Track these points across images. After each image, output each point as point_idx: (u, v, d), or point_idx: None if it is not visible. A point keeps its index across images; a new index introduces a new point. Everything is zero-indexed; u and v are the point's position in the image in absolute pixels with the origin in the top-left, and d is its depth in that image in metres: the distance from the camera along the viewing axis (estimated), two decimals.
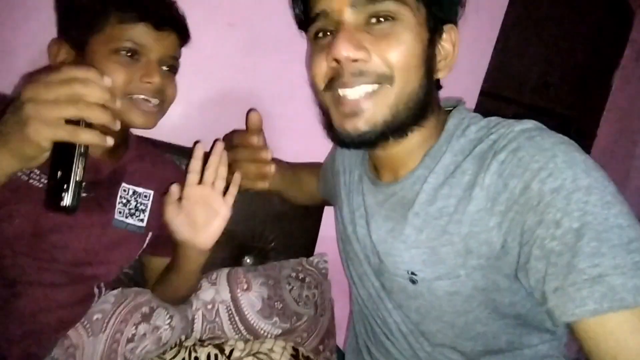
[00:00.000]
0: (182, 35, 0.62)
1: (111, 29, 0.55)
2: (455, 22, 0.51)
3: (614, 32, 1.35)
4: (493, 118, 0.50)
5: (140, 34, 0.56)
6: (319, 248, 0.93)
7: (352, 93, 0.47)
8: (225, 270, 0.77)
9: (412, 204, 0.52)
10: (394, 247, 0.54)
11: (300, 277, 0.81)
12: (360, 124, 0.47)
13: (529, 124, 0.46)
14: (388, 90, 0.46)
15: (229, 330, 0.72)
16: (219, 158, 0.60)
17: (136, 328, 0.62)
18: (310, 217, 0.90)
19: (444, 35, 0.50)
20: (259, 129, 0.69)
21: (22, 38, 0.72)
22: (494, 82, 1.16)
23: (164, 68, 0.60)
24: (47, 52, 0.60)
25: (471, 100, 1.04)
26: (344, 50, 0.45)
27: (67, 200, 0.43)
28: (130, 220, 0.64)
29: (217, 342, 0.71)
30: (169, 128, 0.81)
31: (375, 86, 0.46)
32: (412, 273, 0.51)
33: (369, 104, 0.47)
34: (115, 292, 0.65)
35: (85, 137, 0.41)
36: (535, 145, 0.42)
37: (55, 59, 0.59)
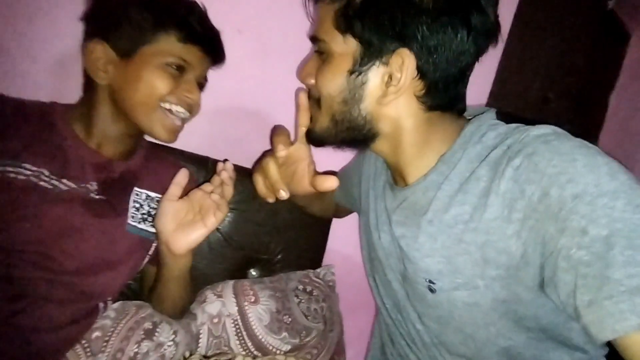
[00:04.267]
0: (219, 60, 0.67)
1: (165, 44, 0.58)
2: (411, 47, 0.46)
3: (610, 53, 1.40)
4: (513, 125, 0.49)
5: (191, 53, 0.60)
6: (326, 261, 0.90)
7: None
8: (231, 282, 0.74)
9: (425, 211, 0.50)
10: (410, 254, 0.52)
11: (307, 290, 0.78)
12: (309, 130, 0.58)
13: (547, 129, 0.44)
14: (318, 111, 0.54)
15: (235, 346, 0.68)
16: (227, 176, 0.62)
17: (139, 346, 0.57)
18: (318, 228, 0.88)
19: (391, 61, 0.48)
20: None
21: (20, 40, 0.70)
22: (496, 98, 1.17)
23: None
24: (82, 53, 0.60)
25: None
26: (299, 75, 0.57)
27: None
28: (142, 226, 0.62)
29: (223, 358, 0.67)
30: None
31: (314, 106, 0.56)
32: (430, 281, 0.50)
33: (312, 119, 0.58)
34: (115, 305, 0.61)
35: None
36: (552, 149, 0.40)
37: (90, 58, 0.58)
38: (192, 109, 0.63)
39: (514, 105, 1.30)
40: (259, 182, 0.62)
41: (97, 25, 0.60)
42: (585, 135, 0.44)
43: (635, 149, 1.40)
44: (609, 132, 1.44)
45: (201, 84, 0.65)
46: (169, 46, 0.58)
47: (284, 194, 0.59)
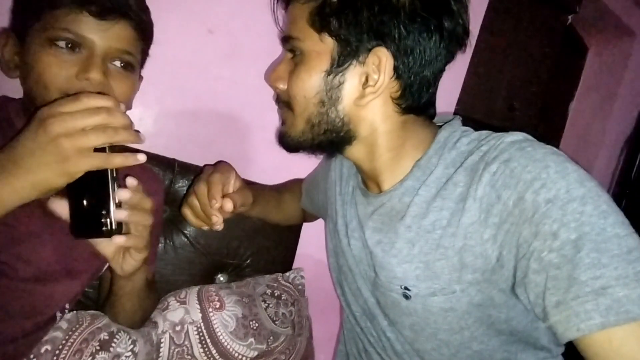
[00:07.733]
0: (138, 25, 0.53)
1: (51, 16, 0.48)
2: (388, 46, 0.47)
3: (570, 65, 1.48)
4: (484, 132, 0.50)
5: (78, 22, 0.47)
6: (296, 264, 0.90)
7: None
8: (195, 288, 0.72)
9: (403, 217, 0.50)
10: (385, 261, 0.52)
11: (275, 294, 0.77)
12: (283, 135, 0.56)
13: (519, 135, 0.46)
14: (290, 114, 0.53)
15: (199, 354, 0.66)
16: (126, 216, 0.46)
17: (93, 358, 0.54)
18: (288, 232, 0.87)
19: (367, 61, 0.48)
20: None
21: None
22: (465, 105, 1.21)
23: (116, 64, 0.51)
24: None
25: None
26: (268, 79, 0.56)
27: (111, 224, 0.44)
28: None
29: None
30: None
31: (285, 110, 0.54)
32: (406, 288, 0.50)
33: (285, 123, 0.56)
34: (68, 316, 0.57)
35: (118, 160, 0.42)
36: (527, 156, 0.42)
37: (2, 51, 0.53)
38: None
39: (482, 112, 1.35)
40: (188, 215, 0.62)
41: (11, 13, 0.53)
42: (548, 141, 0.46)
43: (592, 154, 1.49)
44: (569, 138, 1.52)
45: (125, 62, 0.52)
46: (51, 18, 0.47)
47: (218, 226, 0.59)
